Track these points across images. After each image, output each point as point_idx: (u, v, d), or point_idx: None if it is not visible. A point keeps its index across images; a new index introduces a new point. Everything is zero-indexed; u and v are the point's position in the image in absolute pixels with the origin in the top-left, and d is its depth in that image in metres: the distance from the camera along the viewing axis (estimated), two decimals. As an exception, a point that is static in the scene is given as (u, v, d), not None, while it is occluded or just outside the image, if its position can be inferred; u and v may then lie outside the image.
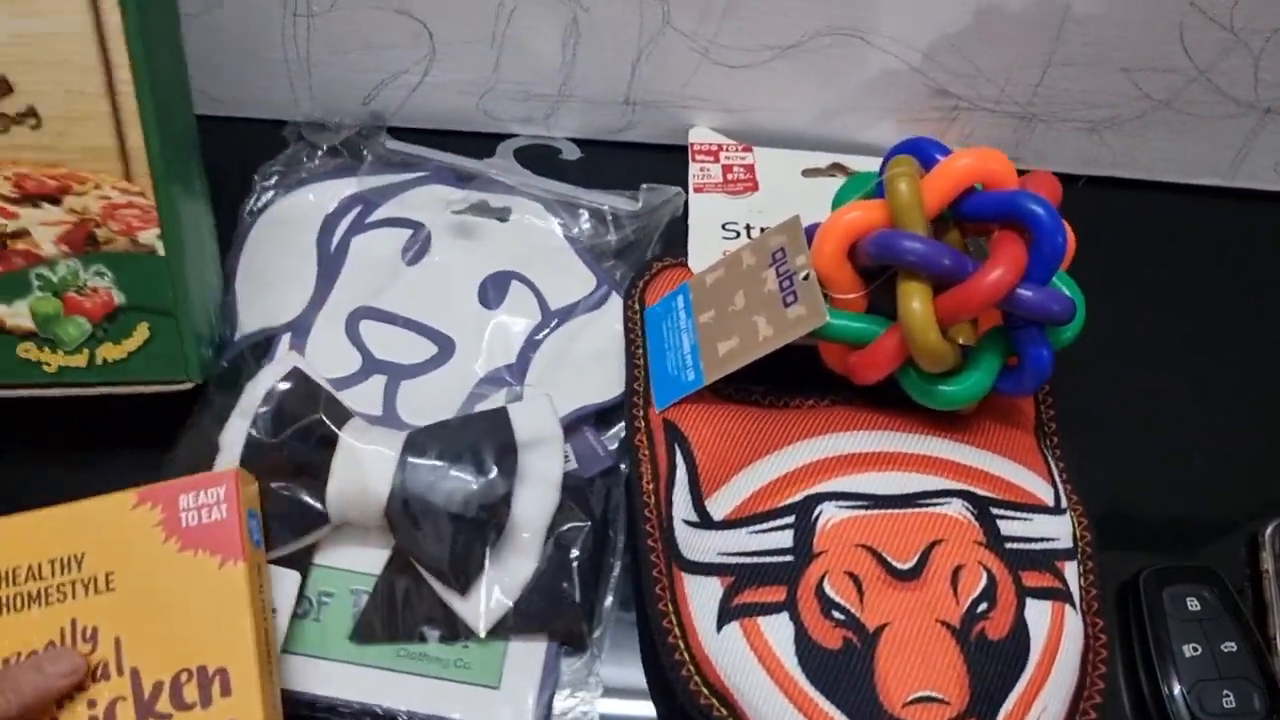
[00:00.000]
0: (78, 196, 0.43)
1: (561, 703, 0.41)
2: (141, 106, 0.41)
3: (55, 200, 0.43)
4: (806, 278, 0.40)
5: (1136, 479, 0.47)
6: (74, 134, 0.42)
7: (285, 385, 0.43)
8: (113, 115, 0.42)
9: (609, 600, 0.43)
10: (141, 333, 0.45)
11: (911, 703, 0.35)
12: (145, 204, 0.43)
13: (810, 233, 0.41)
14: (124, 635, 0.38)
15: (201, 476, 0.40)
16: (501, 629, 0.41)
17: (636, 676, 0.42)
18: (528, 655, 0.41)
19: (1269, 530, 0.45)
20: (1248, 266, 0.54)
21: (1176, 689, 0.42)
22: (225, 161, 0.48)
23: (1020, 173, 0.40)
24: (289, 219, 0.50)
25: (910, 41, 0.51)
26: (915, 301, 0.37)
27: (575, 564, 0.42)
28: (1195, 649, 0.42)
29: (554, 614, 0.41)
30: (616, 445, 0.46)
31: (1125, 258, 0.54)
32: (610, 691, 0.41)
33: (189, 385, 0.45)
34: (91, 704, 0.37)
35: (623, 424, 0.46)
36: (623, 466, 0.46)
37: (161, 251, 0.43)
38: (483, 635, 0.41)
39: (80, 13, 0.41)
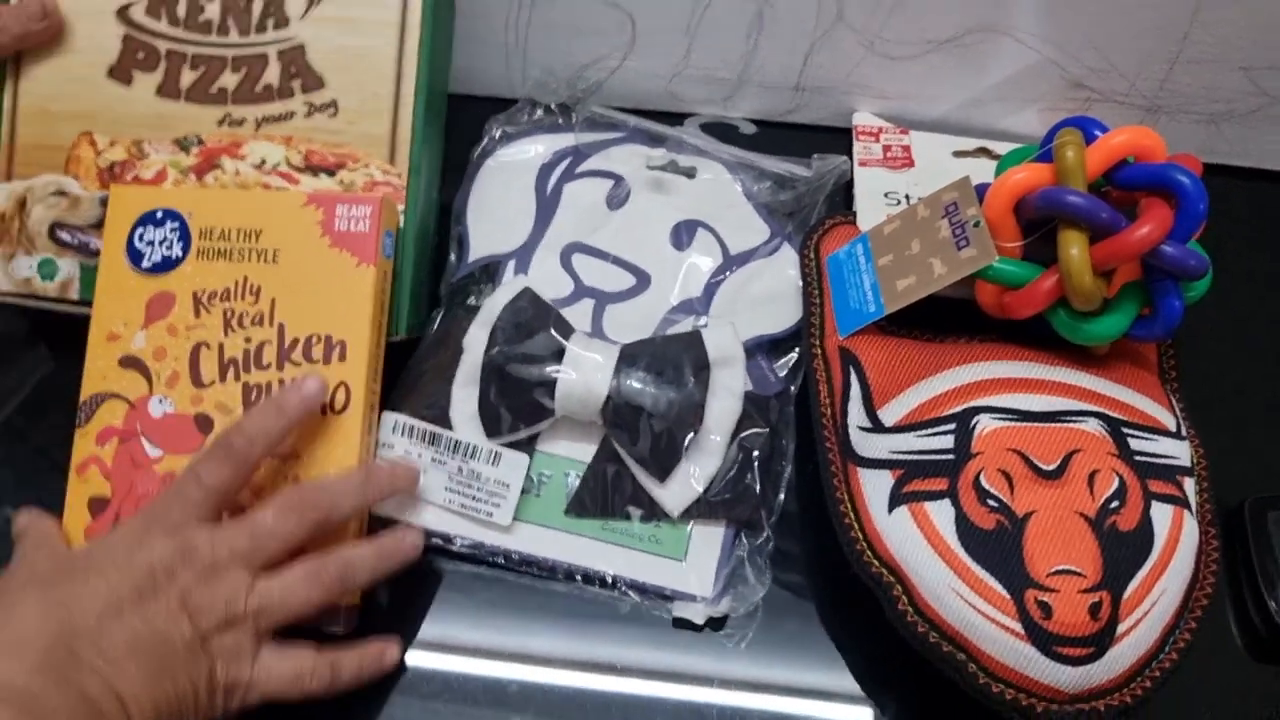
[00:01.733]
0: (349, 172, 0.53)
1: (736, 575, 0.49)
2: (415, 109, 0.52)
3: (331, 173, 0.53)
4: (977, 225, 0.47)
5: (1241, 424, 0.54)
6: (360, 124, 0.53)
7: (521, 302, 0.52)
8: (393, 113, 0.53)
9: (781, 495, 0.51)
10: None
11: (1054, 574, 0.42)
12: (399, 184, 0.53)
13: (978, 191, 0.49)
14: (279, 298, 0.50)
15: (356, 195, 0.51)
16: (691, 512, 0.49)
17: (802, 557, 0.50)
18: (710, 535, 0.49)
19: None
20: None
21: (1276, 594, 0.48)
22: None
23: (1157, 149, 0.47)
24: (512, 164, 0.59)
25: (1052, 38, 0.58)
26: (1075, 248, 0.45)
27: (755, 463, 0.50)
28: (1294, 562, 0.49)
29: (735, 503, 0.50)
30: (785, 371, 0.54)
31: (1238, 236, 0.61)
32: (778, 566, 0.49)
33: (399, 338, 0.53)
34: (247, 340, 0.49)
35: (792, 353, 0.54)
36: (792, 388, 0.54)
37: (402, 225, 0.53)
38: (676, 517, 0.49)
39: (391, 37, 0.52)
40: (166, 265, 0.51)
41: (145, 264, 0.51)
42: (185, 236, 0.51)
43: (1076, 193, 0.46)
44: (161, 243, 0.51)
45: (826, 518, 0.48)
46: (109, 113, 0.54)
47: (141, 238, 0.51)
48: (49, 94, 0.55)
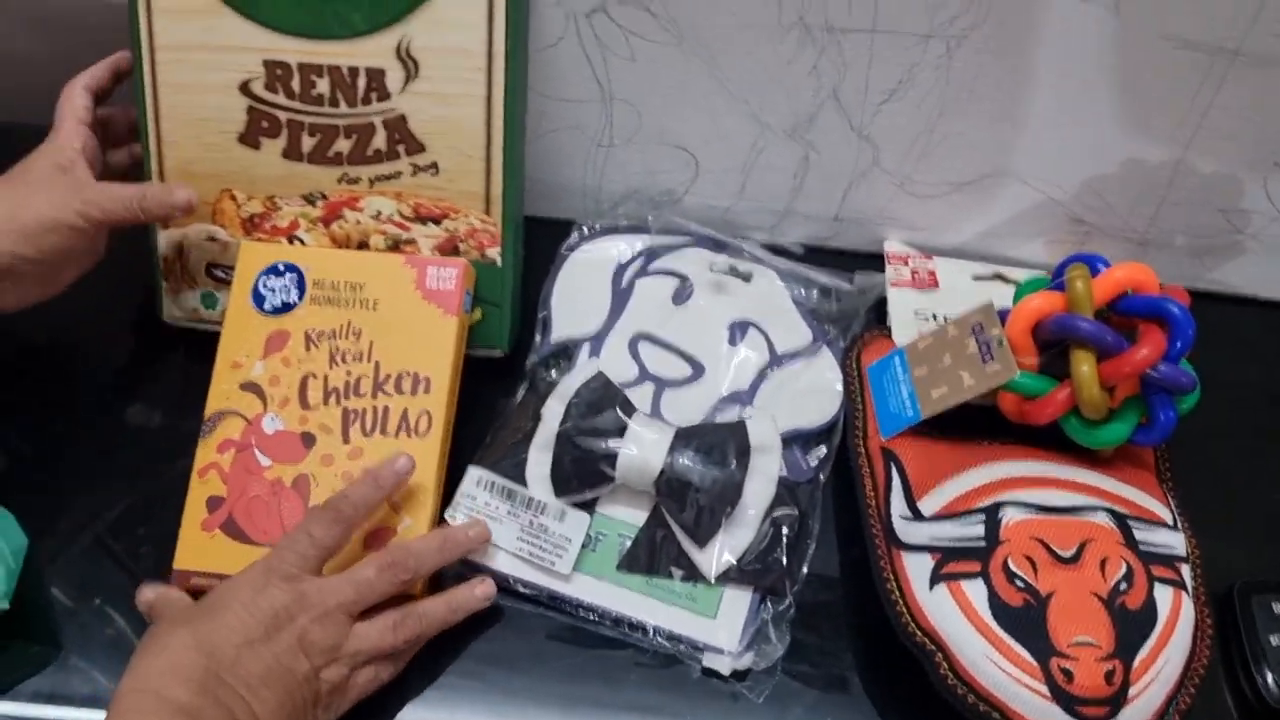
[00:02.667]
0: (452, 221, 0.63)
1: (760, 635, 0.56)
2: (504, 169, 0.62)
3: (437, 221, 0.63)
4: (1000, 343, 0.56)
5: (1228, 518, 0.62)
6: (458, 182, 0.63)
7: (594, 384, 0.60)
8: (485, 173, 0.62)
9: (804, 569, 0.58)
10: (476, 314, 0.64)
11: (1074, 644, 0.50)
12: (494, 231, 0.63)
13: (999, 315, 0.58)
14: (376, 339, 0.59)
15: (444, 259, 0.61)
16: (725, 577, 0.57)
17: (822, 624, 0.58)
18: (739, 598, 0.57)
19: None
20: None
21: (1268, 675, 0.56)
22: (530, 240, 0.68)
23: (1151, 282, 0.56)
24: (593, 259, 0.68)
25: (1055, 182, 0.68)
26: (1085, 366, 0.54)
27: (784, 540, 0.58)
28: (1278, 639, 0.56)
29: (763, 572, 0.57)
30: (816, 462, 0.62)
31: (1220, 354, 0.69)
32: (797, 630, 0.57)
33: (501, 354, 0.64)
34: (348, 373, 0.59)
35: (822, 446, 0.62)
36: (821, 476, 0.61)
37: (499, 263, 0.63)
38: (712, 580, 0.56)
39: (479, 109, 0.61)
40: (285, 308, 0.60)
41: (266, 306, 0.60)
42: (301, 285, 0.61)
43: (1086, 319, 0.55)
44: (281, 289, 0.61)
45: (850, 591, 0.57)
46: (244, 173, 0.63)
47: (265, 285, 0.61)
48: (190, 158, 0.63)
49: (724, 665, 0.55)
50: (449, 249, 0.63)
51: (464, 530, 0.56)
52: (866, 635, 0.57)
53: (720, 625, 0.56)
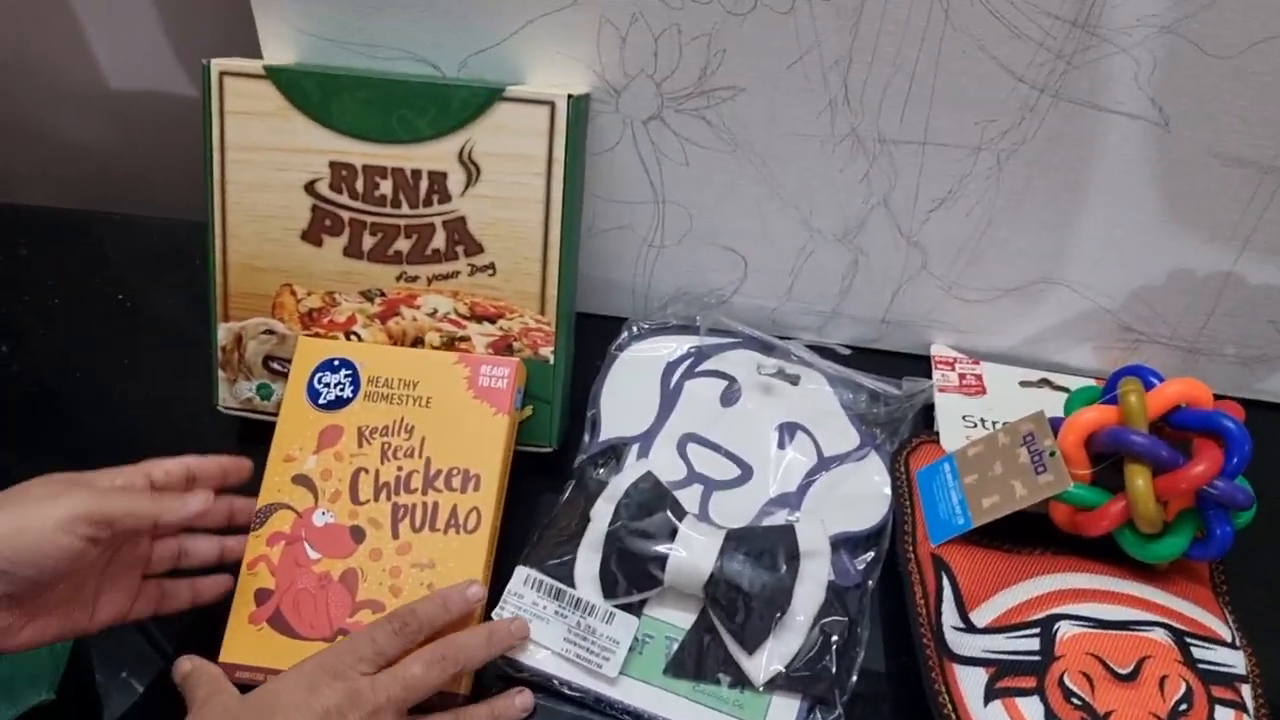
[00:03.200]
0: (506, 320, 0.64)
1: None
2: (560, 271, 0.63)
3: (492, 320, 0.64)
4: (1053, 454, 0.56)
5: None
6: (514, 282, 0.64)
7: (644, 484, 0.60)
8: (541, 274, 0.64)
9: (853, 678, 0.57)
10: (527, 411, 0.65)
11: (1135, 768, 0.49)
12: (548, 330, 0.64)
13: (1051, 424, 0.58)
14: (428, 435, 0.59)
15: (497, 358, 0.61)
16: (772, 685, 0.56)
17: None
18: (788, 706, 0.56)
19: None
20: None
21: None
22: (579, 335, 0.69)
23: (1205, 395, 0.56)
24: (643, 359, 0.69)
25: (1104, 290, 0.68)
26: (1140, 480, 0.53)
27: (834, 647, 0.57)
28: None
29: (813, 680, 0.56)
30: (864, 566, 0.61)
31: (1271, 465, 0.69)
32: None
33: (550, 449, 0.65)
34: (399, 468, 0.59)
35: (870, 551, 0.62)
36: (870, 582, 0.61)
37: (551, 362, 0.64)
38: (760, 687, 0.56)
39: (538, 213, 0.62)
40: (339, 404, 0.61)
41: (321, 401, 0.62)
42: (356, 382, 0.62)
43: (1141, 433, 0.54)
44: (336, 385, 0.62)
45: (899, 701, 0.56)
46: (304, 269, 0.65)
47: (320, 380, 0.62)
48: (252, 252, 0.65)
49: None
50: (503, 347, 0.65)
51: (506, 625, 0.56)
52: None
53: None
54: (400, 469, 0.59)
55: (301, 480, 0.60)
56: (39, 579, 0.48)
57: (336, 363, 0.62)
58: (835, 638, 0.57)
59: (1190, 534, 0.56)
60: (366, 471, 0.60)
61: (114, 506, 0.49)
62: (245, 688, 0.54)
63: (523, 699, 0.56)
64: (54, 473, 0.51)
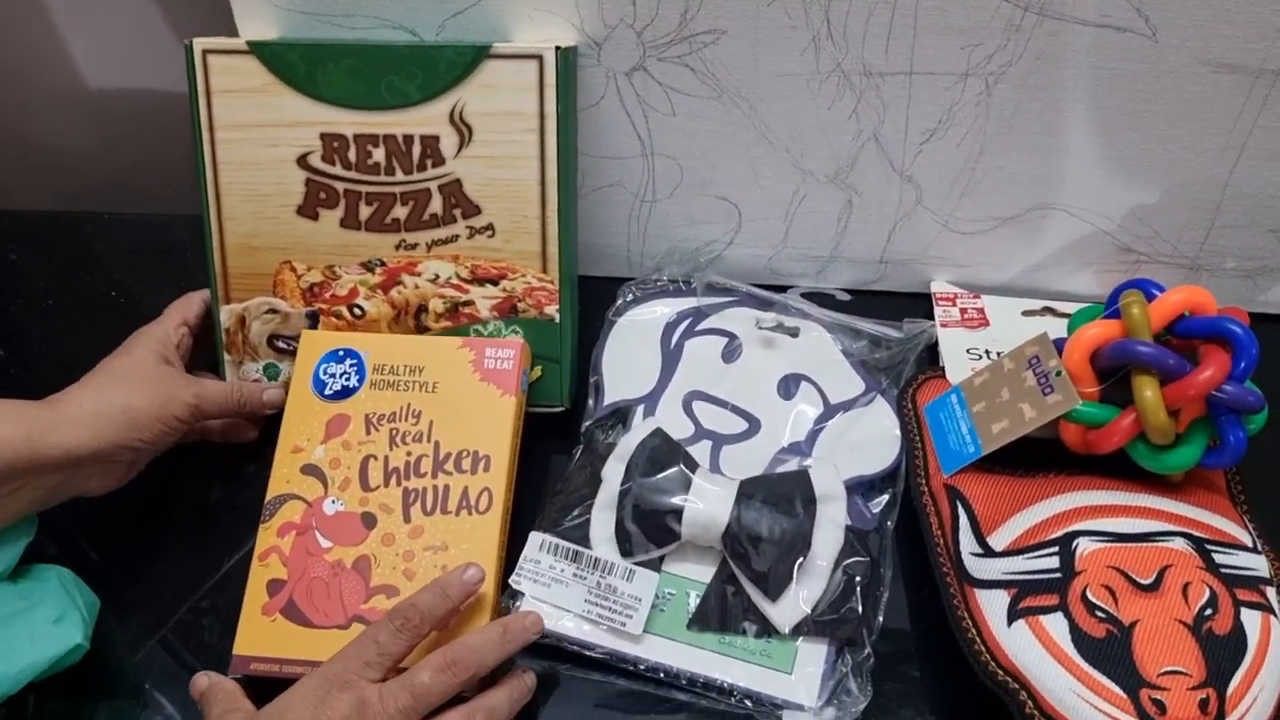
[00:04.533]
0: (509, 281, 0.64)
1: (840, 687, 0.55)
2: (559, 227, 0.63)
3: (495, 282, 0.64)
4: (1059, 374, 0.56)
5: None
6: (514, 242, 0.64)
7: (654, 441, 0.60)
8: (540, 232, 0.63)
9: (880, 617, 0.57)
10: (537, 372, 0.65)
11: (1164, 674, 0.48)
12: (551, 289, 0.64)
13: (1055, 345, 0.57)
14: (435, 420, 0.59)
15: (502, 340, 0.61)
16: (799, 630, 0.56)
17: (903, 672, 0.57)
18: (816, 651, 0.56)
19: None
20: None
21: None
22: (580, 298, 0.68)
23: (1210, 303, 0.56)
24: (641, 322, 0.68)
25: (1102, 212, 0.68)
26: (1148, 390, 0.53)
27: (857, 588, 0.57)
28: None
29: (839, 623, 0.56)
30: (879, 509, 0.61)
31: (1273, 373, 0.68)
32: (878, 680, 0.55)
33: (562, 409, 0.65)
34: (408, 453, 0.59)
35: (884, 495, 0.61)
36: (889, 523, 0.61)
37: (557, 320, 0.64)
38: (785, 633, 0.55)
39: (533, 170, 0.62)
40: (345, 393, 0.61)
41: (327, 392, 0.61)
42: (362, 371, 0.61)
43: (1146, 343, 0.54)
44: (341, 375, 0.61)
45: (926, 636, 0.56)
46: (302, 244, 0.65)
47: (325, 371, 0.62)
48: (249, 232, 0.65)
49: None
50: (507, 309, 0.64)
51: (521, 620, 0.55)
52: (949, 678, 0.56)
53: (798, 680, 0.55)
54: (409, 454, 0.59)
55: (310, 470, 0.59)
56: (150, 450, 0.60)
57: (341, 353, 0.62)
58: (859, 579, 0.57)
59: (1203, 442, 0.55)
60: (375, 458, 0.59)
61: (214, 396, 0.61)
62: (262, 681, 0.54)
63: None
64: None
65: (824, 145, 0.66)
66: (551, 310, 0.64)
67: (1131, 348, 0.54)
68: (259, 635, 0.56)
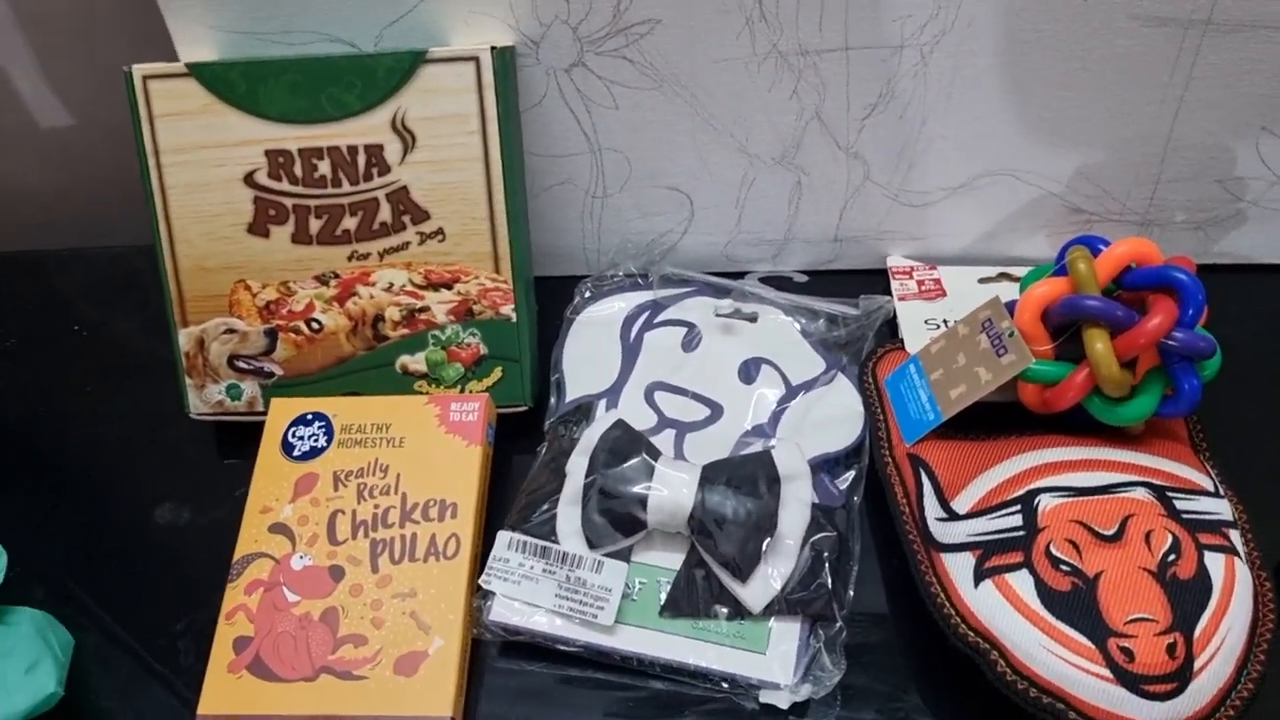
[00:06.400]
0: (464, 284, 0.64)
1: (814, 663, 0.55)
2: (509, 226, 0.63)
3: (449, 286, 0.64)
4: (1012, 334, 0.56)
5: (1274, 485, 0.60)
6: (465, 245, 0.64)
7: (615, 432, 0.60)
8: (490, 234, 0.63)
9: (850, 591, 0.57)
10: (497, 373, 0.65)
11: (1130, 622, 0.48)
12: (506, 289, 0.64)
13: (1007, 308, 0.57)
14: (403, 472, 0.61)
15: (467, 395, 0.63)
16: (770, 609, 0.56)
17: (876, 644, 0.57)
18: (788, 629, 0.56)
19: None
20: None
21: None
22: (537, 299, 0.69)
23: (1155, 253, 0.56)
24: (599, 318, 0.69)
25: (1049, 174, 0.68)
26: (1099, 343, 0.53)
27: (826, 564, 0.57)
28: (1344, 599, 0.55)
29: (810, 599, 0.56)
30: (846, 485, 0.61)
31: (1238, 326, 0.68)
32: (852, 654, 0.55)
33: (525, 408, 0.65)
34: (376, 506, 0.59)
35: (850, 471, 0.62)
36: (855, 498, 0.61)
37: (514, 320, 0.64)
38: (757, 613, 0.55)
39: (479, 171, 0.62)
40: (314, 454, 0.62)
41: (295, 453, 0.62)
42: (330, 431, 0.62)
43: (1093, 297, 0.54)
44: (310, 437, 0.62)
45: (898, 605, 0.56)
46: (255, 262, 0.65)
47: (294, 434, 0.63)
48: (201, 254, 0.65)
49: (782, 700, 0.54)
50: (464, 312, 0.64)
51: None
52: (921, 645, 0.56)
53: (773, 659, 0.55)
54: (377, 506, 0.60)
55: (278, 529, 0.60)
56: None
57: (310, 416, 0.63)
58: (827, 554, 0.57)
59: (1159, 392, 0.55)
60: (343, 513, 0.60)
61: None
62: None
63: None
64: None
65: (768, 128, 0.67)
66: (508, 310, 0.64)
67: (1079, 302, 0.55)
68: (224, 693, 0.55)
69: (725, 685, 0.55)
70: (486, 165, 0.62)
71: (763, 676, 0.55)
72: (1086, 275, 0.55)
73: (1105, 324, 0.54)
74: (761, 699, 0.54)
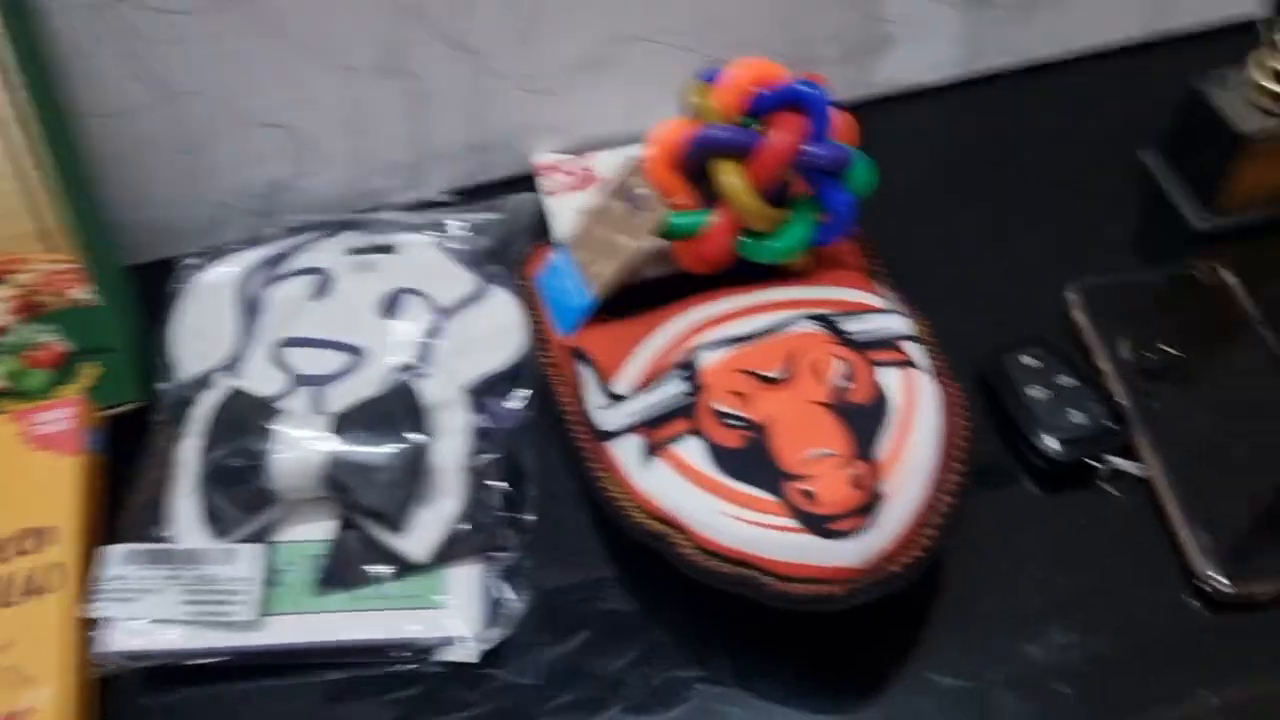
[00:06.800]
0: (20, 274, 0.53)
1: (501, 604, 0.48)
2: (65, 200, 0.52)
3: (1, 281, 0.52)
4: (643, 190, 0.49)
5: (962, 303, 0.57)
6: (4, 227, 0.52)
7: (230, 403, 0.51)
8: (32, 208, 0.52)
9: (530, 515, 0.50)
10: (93, 371, 0.54)
11: (806, 460, 0.43)
12: (74, 270, 0.53)
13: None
14: None
15: (55, 402, 0.53)
16: (440, 556, 0.48)
17: (563, 560, 0.50)
18: (464, 573, 0.48)
19: (1071, 293, 0.55)
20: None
21: (1039, 431, 0.50)
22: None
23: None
24: (210, 285, 0.58)
25: (678, 29, 0.62)
26: (730, 176, 0.48)
27: (496, 492, 0.50)
28: (1041, 391, 0.51)
29: (479, 533, 0.48)
30: (518, 401, 0.54)
31: (907, 154, 0.65)
32: (539, 580, 0.49)
33: (140, 405, 0.55)
34: None
35: (520, 387, 0.54)
36: (530, 412, 0.53)
37: (98, 303, 0.53)
38: (425, 562, 0.48)
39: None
40: None
41: None
42: None
43: (713, 126, 0.49)
44: None
45: (586, 515, 0.50)
46: None
47: None
48: None
49: (471, 653, 0.46)
50: (30, 307, 0.53)
51: None
52: (615, 548, 0.49)
53: (455, 610, 0.47)
54: None
55: None
56: None
57: None
58: (495, 481, 0.50)
59: (809, 217, 0.50)
60: None
61: None
62: None
63: None
64: None
65: (361, 34, 0.58)
66: (83, 294, 0.54)
67: (699, 136, 0.49)
68: None
69: (408, 654, 0.47)
70: (8, 130, 0.51)
71: (446, 633, 0.47)
72: (704, 107, 0.50)
73: (734, 153, 0.48)
74: (450, 658, 0.46)
